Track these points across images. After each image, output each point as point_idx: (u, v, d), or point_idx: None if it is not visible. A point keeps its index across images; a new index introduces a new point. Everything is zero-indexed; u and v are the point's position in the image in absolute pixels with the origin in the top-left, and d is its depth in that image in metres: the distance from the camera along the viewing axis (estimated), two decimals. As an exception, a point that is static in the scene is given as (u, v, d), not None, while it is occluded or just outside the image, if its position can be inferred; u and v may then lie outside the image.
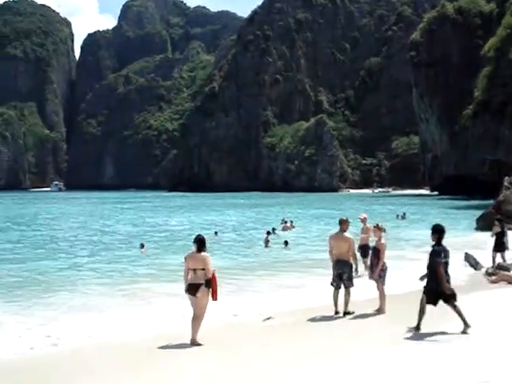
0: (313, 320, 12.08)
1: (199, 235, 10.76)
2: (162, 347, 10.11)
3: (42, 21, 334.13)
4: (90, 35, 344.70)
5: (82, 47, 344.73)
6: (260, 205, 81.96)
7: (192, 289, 10.17)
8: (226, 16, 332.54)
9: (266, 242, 28.48)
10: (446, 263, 10.29)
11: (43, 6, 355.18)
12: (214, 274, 10.25)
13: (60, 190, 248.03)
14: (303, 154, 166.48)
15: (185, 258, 10.51)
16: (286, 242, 28.06)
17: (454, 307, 10.19)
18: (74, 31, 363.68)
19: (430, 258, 10.33)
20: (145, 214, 62.56)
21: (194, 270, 10.22)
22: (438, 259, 10.11)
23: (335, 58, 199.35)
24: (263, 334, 11.15)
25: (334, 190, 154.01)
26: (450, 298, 10.20)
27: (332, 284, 12.59)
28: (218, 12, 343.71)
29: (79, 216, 59.64)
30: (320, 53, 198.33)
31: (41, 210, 75.34)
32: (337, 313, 12.39)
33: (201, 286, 10.14)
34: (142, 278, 19.27)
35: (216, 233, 34.79)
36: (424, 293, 10.40)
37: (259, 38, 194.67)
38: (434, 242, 10.40)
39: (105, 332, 11.68)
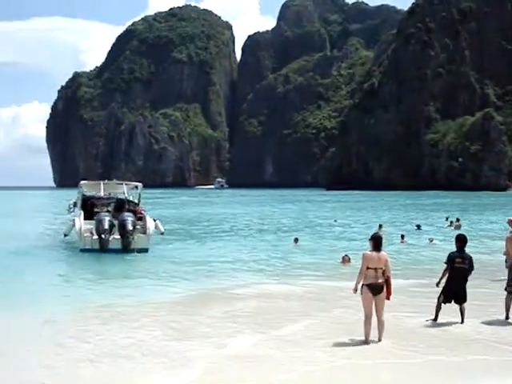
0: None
1: (377, 233, 10.94)
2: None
3: (205, 25, 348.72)
4: (250, 37, 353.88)
5: (242, 49, 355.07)
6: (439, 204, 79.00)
7: (375, 289, 10.18)
8: (385, 10, 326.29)
9: (431, 240, 28.27)
10: (464, 269, 11.62)
11: (206, 10, 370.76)
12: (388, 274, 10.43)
13: (222, 187, 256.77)
14: (468, 150, 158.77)
15: (363, 257, 10.30)
16: (430, 240, 27.93)
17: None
18: (236, 33, 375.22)
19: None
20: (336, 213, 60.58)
21: (375, 269, 10.17)
22: (447, 262, 11.72)
23: (503, 48, 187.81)
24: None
25: (502, 188, 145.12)
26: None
27: (506, 288, 12.08)
28: (377, 6, 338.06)
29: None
30: (486, 43, 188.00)
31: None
32: (507, 318, 11.90)
33: (383, 285, 10.27)
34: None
35: (380, 226, 34.19)
36: (442, 292, 11.75)
37: (420, 31, 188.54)
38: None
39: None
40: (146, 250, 23.90)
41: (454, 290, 11.66)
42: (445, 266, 11.83)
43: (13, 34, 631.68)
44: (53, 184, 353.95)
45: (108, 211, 25.85)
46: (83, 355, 9.61)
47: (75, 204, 28.36)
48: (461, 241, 11.86)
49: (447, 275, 11.73)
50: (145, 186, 29.74)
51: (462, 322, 11.62)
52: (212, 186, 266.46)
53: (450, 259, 11.68)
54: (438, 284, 11.81)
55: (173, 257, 23.01)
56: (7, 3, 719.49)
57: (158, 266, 20.30)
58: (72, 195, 33.51)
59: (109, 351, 9.87)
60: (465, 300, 11.73)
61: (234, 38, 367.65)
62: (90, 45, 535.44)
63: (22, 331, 11.60)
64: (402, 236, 28.88)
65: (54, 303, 14.18)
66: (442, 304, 11.84)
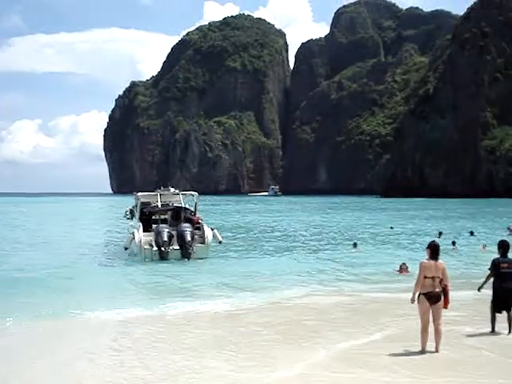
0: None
1: (434, 241, 10.73)
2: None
3: (259, 33, 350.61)
4: (303, 44, 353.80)
5: (296, 56, 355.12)
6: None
7: (433, 298, 10.21)
8: (440, 15, 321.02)
9: (484, 246, 28.00)
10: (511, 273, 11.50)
11: (260, 19, 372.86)
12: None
13: (276, 194, 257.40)
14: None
15: (420, 266, 10.35)
16: (483, 246, 27.81)
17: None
18: (289, 41, 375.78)
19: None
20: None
21: (433, 278, 10.19)
22: (491, 268, 11.68)
23: None
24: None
25: None
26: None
27: None
28: (432, 12, 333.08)
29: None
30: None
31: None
32: None
33: (441, 294, 10.27)
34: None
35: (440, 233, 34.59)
36: (492, 301, 11.76)
37: (476, 36, 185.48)
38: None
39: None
40: (204, 259, 24.59)
41: (504, 296, 11.50)
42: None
43: (72, 45, 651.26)
44: (110, 190, 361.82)
45: (165, 219, 26.63)
46: (126, 362, 10.09)
47: (131, 211, 29.20)
48: (504, 247, 11.92)
49: (494, 282, 11.64)
50: (199, 193, 30.02)
51: (510, 332, 11.53)
52: (265, 193, 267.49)
53: (495, 264, 11.66)
54: (479, 289, 11.89)
55: (230, 266, 23.51)
56: (68, 15, 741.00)
57: (216, 277, 20.56)
58: (128, 202, 34.57)
59: (151, 358, 10.24)
60: (510, 308, 11.57)
61: (287, 45, 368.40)
62: (146, 55, 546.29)
63: (75, 337, 12.36)
64: (453, 242, 28.85)
65: (110, 311, 14.68)
66: (497, 314, 11.71)
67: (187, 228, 24.42)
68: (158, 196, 27.87)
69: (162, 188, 30.16)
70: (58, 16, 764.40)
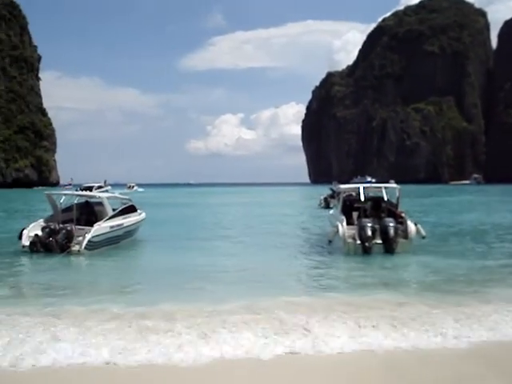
0: None
1: None
2: None
3: (458, 14, 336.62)
4: (506, 22, 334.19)
5: (499, 35, 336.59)
6: None
7: None
8: None
9: None
10: None
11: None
12: None
13: (478, 183, 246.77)
14: None
15: None
16: None
17: None
18: (491, 19, 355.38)
19: None
20: None
21: None
22: None
23: None
24: None
25: None
26: None
27: None
28: None
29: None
30: None
31: None
32: None
33: None
34: None
35: None
36: None
37: None
38: None
39: None
40: (407, 254, 24.26)
41: None
42: None
43: (269, 40, 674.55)
44: (308, 180, 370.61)
45: (365, 209, 27.59)
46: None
47: (325, 200, 29.88)
48: None
49: None
50: (396, 182, 29.23)
51: None
52: (467, 182, 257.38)
53: None
54: None
55: (433, 263, 21.76)
56: (263, 12, 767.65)
57: (417, 274, 19.62)
58: (324, 192, 34.58)
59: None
60: None
61: (488, 25, 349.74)
62: (341, 44, 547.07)
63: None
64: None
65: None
66: None
67: (390, 223, 24.47)
68: (361, 188, 27.97)
69: (358, 177, 30.94)
70: (254, 13, 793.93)
